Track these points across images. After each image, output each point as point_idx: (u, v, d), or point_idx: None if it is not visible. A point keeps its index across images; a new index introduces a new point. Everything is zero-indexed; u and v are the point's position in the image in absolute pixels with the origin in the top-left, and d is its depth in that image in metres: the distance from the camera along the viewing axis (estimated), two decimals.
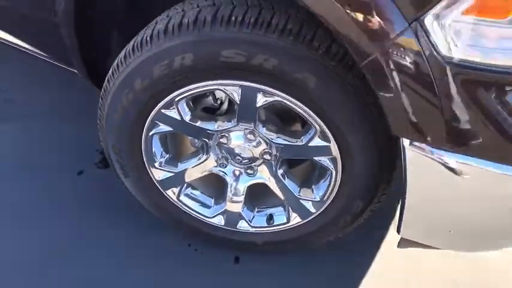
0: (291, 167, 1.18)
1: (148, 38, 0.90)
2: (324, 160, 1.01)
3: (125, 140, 1.05)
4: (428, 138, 0.73)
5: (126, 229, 1.34)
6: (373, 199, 1.06)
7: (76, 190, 1.43)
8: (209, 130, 1.04)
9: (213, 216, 1.22)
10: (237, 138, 1.06)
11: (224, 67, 0.85)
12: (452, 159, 0.76)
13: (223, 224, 1.22)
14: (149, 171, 1.12)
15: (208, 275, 1.26)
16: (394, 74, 0.67)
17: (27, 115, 1.69)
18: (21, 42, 1.21)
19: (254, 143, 1.06)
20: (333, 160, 0.99)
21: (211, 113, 1.09)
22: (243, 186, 1.16)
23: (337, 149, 0.96)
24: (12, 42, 1.26)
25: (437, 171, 0.79)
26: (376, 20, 0.63)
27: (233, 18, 0.81)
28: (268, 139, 1.03)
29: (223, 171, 1.14)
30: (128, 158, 1.10)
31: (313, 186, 1.11)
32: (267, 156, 1.08)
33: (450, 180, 0.80)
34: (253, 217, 1.21)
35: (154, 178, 1.14)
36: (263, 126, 1.01)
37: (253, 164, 1.11)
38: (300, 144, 1.00)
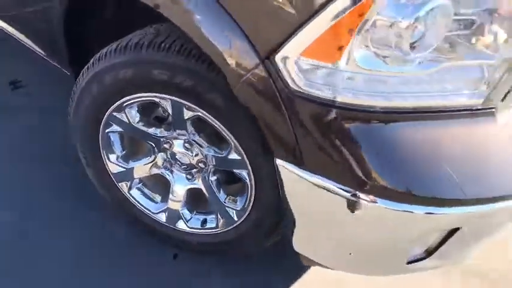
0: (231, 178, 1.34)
1: (106, 53, 1.13)
2: (242, 173, 1.16)
3: (85, 134, 1.27)
4: (290, 159, 0.87)
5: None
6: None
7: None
8: (154, 136, 1.23)
9: (157, 213, 1.40)
10: (178, 146, 1.24)
11: (154, 83, 1.05)
12: (316, 180, 0.89)
13: (164, 221, 1.39)
14: (106, 164, 1.33)
15: (143, 267, 1.42)
16: (255, 102, 0.83)
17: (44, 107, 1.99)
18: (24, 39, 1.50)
19: (192, 152, 1.24)
20: (248, 174, 1.14)
21: (160, 121, 1.29)
22: (183, 188, 1.33)
23: (248, 164, 1.11)
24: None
25: (306, 190, 0.92)
26: (236, 54, 0.79)
27: (163, 44, 1.01)
28: (200, 149, 1.20)
29: (167, 173, 1.33)
30: (88, 151, 1.31)
31: (238, 197, 1.26)
32: (202, 165, 1.25)
33: (318, 202, 0.92)
34: (191, 218, 1.38)
35: (110, 171, 1.35)
36: (195, 137, 1.19)
37: (192, 170, 1.29)
38: (222, 156, 1.17)
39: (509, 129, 0.91)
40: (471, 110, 0.85)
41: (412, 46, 0.72)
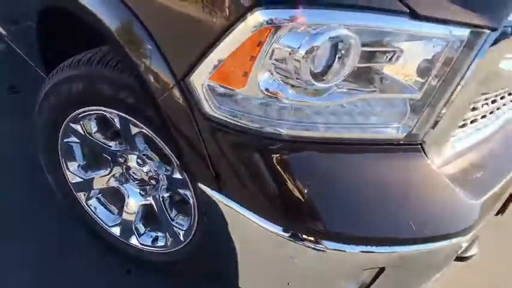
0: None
1: (65, 65, 1.17)
2: (186, 193, 1.16)
3: (45, 142, 1.31)
4: (209, 183, 0.86)
5: None
6: None
7: None
8: (109, 149, 1.26)
9: (112, 226, 1.40)
10: (132, 161, 1.26)
11: (103, 97, 1.08)
12: (234, 206, 0.87)
13: (118, 234, 1.39)
14: (65, 173, 1.36)
15: (94, 278, 1.42)
16: (172, 122, 0.84)
17: None
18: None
19: (144, 168, 1.25)
20: (191, 195, 1.14)
21: (117, 135, 1.31)
22: (136, 204, 1.34)
23: (190, 185, 1.10)
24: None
25: (229, 217, 0.90)
26: (156, 74, 0.81)
27: (110, 62, 1.04)
28: (151, 166, 1.21)
29: (122, 187, 1.34)
30: (48, 158, 1.35)
31: (185, 217, 1.25)
32: (154, 182, 1.25)
33: (242, 231, 0.90)
34: (143, 234, 1.37)
35: (69, 180, 1.37)
36: (148, 153, 1.20)
37: (145, 186, 1.29)
38: (168, 174, 1.17)
39: (441, 166, 0.88)
40: (394, 144, 0.83)
41: (318, 76, 0.72)
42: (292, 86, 0.73)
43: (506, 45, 0.77)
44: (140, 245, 1.36)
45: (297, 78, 0.70)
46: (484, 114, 1.02)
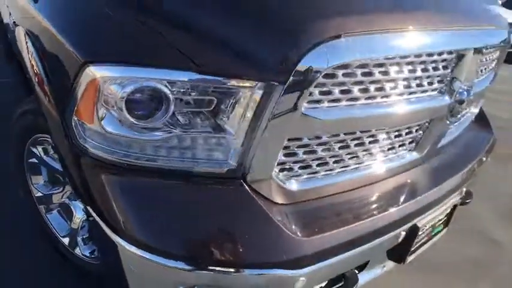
0: None
1: (25, 100, 1.48)
2: None
3: (14, 158, 1.62)
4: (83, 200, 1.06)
5: None
6: None
7: None
8: (58, 169, 1.52)
9: (63, 236, 1.64)
10: None
11: (41, 127, 1.35)
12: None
13: (67, 244, 1.63)
14: (30, 188, 1.64)
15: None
16: (59, 152, 1.09)
17: None
18: None
19: None
20: None
21: None
22: (80, 218, 1.57)
23: None
24: None
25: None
26: (51, 112, 1.06)
27: None
28: None
29: (71, 203, 1.58)
30: (17, 173, 1.65)
31: None
32: None
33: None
34: (84, 246, 1.59)
35: (33, 194, 1.65)
36: None
37: None
38: None
39: (285, 201, 1.00)
40: (216, 177, 0.96)
41: (143, 117, 0.90)
42: (125, 123, 0.92)
43: (303, 94, 0.91)
44: (81, 255, 1.58)
45: (125, 118, 0.91)
46: (338, 159, 1.12)
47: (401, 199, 1.24)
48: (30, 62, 1.28)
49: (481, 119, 1.84)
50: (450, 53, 1.17)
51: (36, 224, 1.73)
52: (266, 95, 0.91)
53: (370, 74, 1.00)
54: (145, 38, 0.95)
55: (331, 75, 0.95)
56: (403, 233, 1.24)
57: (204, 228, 0.96)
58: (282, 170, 1.05)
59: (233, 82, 0.90)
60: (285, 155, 1.03)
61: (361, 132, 1.09)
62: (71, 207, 1.60)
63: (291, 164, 1.05)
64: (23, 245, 1.78)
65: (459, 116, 1.45)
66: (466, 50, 1.19)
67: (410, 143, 1.30)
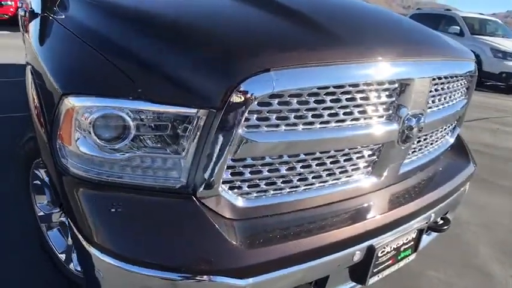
0: None
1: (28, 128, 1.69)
2: None
3: (22, 179, 1.81)
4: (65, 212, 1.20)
5: None
6: None
7: None
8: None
9: (61, 252, 1.79)
10: None
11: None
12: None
13: (63, 260, 1.77)
14: (34, 208, 1.83)
15: None
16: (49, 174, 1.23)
17: None
18: None
19: None
20: None
21: None
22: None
23: None
24: None
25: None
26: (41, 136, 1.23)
27: None
28: None
29: (67, 221, 1.74)
30: (25, 193, 1.84)
31: None
32: None
33: None
34: (76, 261, 1.72)
35: (36, 213, 1.83)
36: None
37: None
38: None
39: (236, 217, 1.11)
40: (172, 193, 1.09)
41: (111, 140, 1.07)
42: (96, 145, 1.08)
43: (239, 120, 1.03)
44: (74, 270, 1.72)
45: (94, 140, 1.08)
46: (287, 180, 1.22)
47: (354, 220, 1.31)
48: (32, 94, 1.49)
49: (460, 149, 1.87)
50: (392, 82, 1.27)
51: (37, 240, 1.91)
52: (207, 120, 1.06)
53: (305, 102, 1.12)
54: (108, 72, 1.14)
55: (267, 103, 1.08)
56: (358, 253, 1.30)
57: (157, 238, 1.09)
58: (231, 188, 1.17)
59: (178, 110, 1.05)
60: (232, 174, 1.15)
61: (306, 154, 1.20)
62: (68, 225, 1.77)
63: (239, 183, 1.16)
64: (26, 262, 1.96)
65: (418, 143, 1.52)
66: (409, 80, 1.29)
67: (365, 167, 1.38)
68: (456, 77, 1.58)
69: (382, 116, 1.30)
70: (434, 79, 1.42)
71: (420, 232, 1.55)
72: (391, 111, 1.31)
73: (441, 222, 1.79)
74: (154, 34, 1.22)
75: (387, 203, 1.45)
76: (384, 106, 1.29)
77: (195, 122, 1.07)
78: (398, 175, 1.51)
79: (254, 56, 1.06)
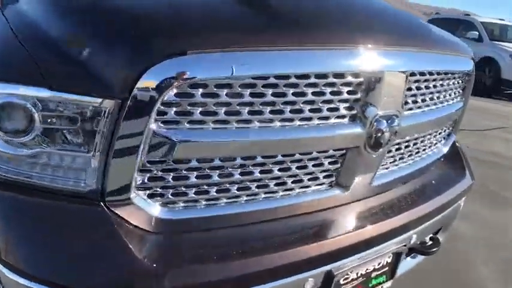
0: None
1: None
2: None
3: None
4: None
5: None
6: None
7: None
8: None
9: None
10: None
11: None
12: None
13: None
14: None
15: None
16: None
17: None
18: None
19: None
20: None
21: None
22: None
23: None
24: None
25: None
26: None
27: None
28: None
29: None
30: None
31: None
32: None
33: None
34: None
35: None
36: None
37: None
38: None
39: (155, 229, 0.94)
40: (80, 197, 0.92)
41: (16, 133, 0.90)
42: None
43: (150, 112, 0.84)
44: None
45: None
46: (222, 189, 1.01)
47: (309, 239, 1.09)
48: None
49: (456, 159, 1.63)
50: (355, 75, 1.05)
51: None
52: (114, 113, 0.87)
53: (238, 95, 0.92)
54: (15, 57, 0.96)
55: (187, 95, 0.89)
56: (311, 280, 1.08)
57: (53, 251, 0.90)
58: (152, 196, 0.98)
59: (81, 99, 0.87)
60: (151, 179, 0.95)
61: (244, 159, 1.00)
62: None
63: (160, 190, 0.97)
64: None
65: (398, 150, 1.30)
66: (378, 73, 1.06)
67: (326, 176, 1.16)
68: (447, 74, 1.35)
69: (343, 116, 1.08)
70: (414, 74, 1.20)
71: (397, 256, 1.32)
72: (355, 111, 1.10)
73: (429, 243, 1.55)
74: (59, 14, 1.04)
75: (354, 220, 1.22)
76: (346, 104, 1.07)
77: (102, 115, 0.88)
78: (372, 187, 1.28)
79: (168, 36, 0.87)
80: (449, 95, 1.42)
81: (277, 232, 1.09)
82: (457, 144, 1.69)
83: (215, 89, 0.90)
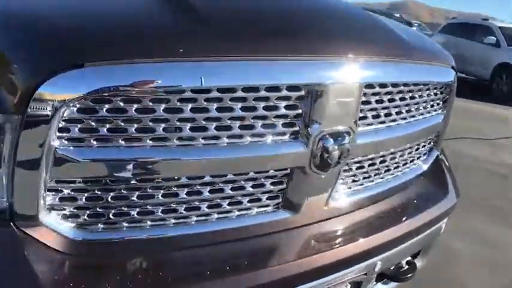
0: None
1: None
2: None
3: None
4: None
5: None
6: None
7: None
8: None
9: None
10: None
11: None
12: None
13: None
14: None
15: None
16: None
17: None
18: None
19: None
20: None
21: None
22: None
23: None
24: None
25: None
26: None
27: None
28: None
29: None
30: None
31: None
32: None
33: None
34: None
35: None
36: None
37: None
38: None
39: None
40: None
41: None
42: None
43: (49, 129, 0.76)
44: None
45: None
46: (144, 210, 0.93)
47: (242, 268, 0.99)
48: None
49: (439, 177, 1.48)
50: (294, 88, 0.94)
51: None
52: (13, 128, 0.80)
53: (150, 110, 0.83)
54: None
55: (91, 110, 0.80)
56: None
57: None
58: (67, 217, 0.91)
59: None
60: (61, 199, 0.88)
61: (166, 180, 0.91)
62: None
63: (73, 210, 0.89)
64: None
65: (360, 169, 1.17)
66: (321, 86, 0.94)
67: (270, 198, 1.05)
68: (417, 85, 1.21)
69: (282, 134, 0.97)
70: (371, 86, 1.08)
71: (357, 285, 1.19)
72: (297, 128, 0.99)
73: (405, 267, 1.42)
74: None
75: (304, 246, 1.10)
76: (284, 120, 0.96)
77: (2, 131, 0.83)
78: (330, 209, 1.16)
79: (66, 47, 0.79)
80: (424, 108, 1.28)
81: (208, 259, 0.99)
82: (442, 159, 1.54)
83: (122, 104, 0.82)
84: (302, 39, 0.98)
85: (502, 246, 2.54)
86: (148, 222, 0.96)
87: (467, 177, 3.75)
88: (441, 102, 1.36)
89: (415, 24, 19.70)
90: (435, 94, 1.31)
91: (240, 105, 0.90)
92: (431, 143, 1.44)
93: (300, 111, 0.96)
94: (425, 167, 1.42)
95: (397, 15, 12.14)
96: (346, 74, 0.99)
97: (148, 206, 0.94)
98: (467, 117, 6.27)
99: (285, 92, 0.93)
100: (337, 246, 1.12)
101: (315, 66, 0.95)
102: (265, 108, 0.92)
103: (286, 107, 0.95)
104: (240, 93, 0.88)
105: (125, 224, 0.95)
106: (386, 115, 1.14)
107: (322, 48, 0.98)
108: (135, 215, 0.94)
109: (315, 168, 1.02)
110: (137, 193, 0.91)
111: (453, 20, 11.74)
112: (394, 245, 1.23)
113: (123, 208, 0.93)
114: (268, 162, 0.97)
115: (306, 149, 0.98)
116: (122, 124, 0.83)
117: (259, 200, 1.05)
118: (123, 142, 0.84)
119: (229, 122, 0.90)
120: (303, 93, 0.94)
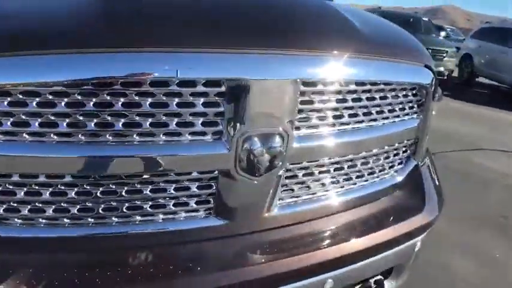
0: None
1: None
2: None
3: None
4: None
5: None
6: None
7: None
8: None
9: None
10: None
11: None
12: None
13: None
14: None
15: None
16: None
17: None
18: None
19: None
20: None
21: None
22: None
23: None
24: None
25: None
26: None
27: None
28: None
29: None
30: None
31: None
32: None
33: None
34: None
35: None
36: None
37: None
38: None
39: None
40: None
41: None
42: None
43: None
44: None
45: None
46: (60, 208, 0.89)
47: (167, 274, 0.92)
48: None
49: (416, 190, 1.31)
50: (214, 83, 0.86)
51: None
52: None
53: (51, 104, 0.80)
54: None
55: None
56: None
57: None
58: None
59: None
60: None
61: (75, 177, 0.86)
62: None
63: None
64: None
65: (310, 175, 1.06)
66: (245, 80, 0.86)
67: (199, 202, 0.98)
68: (376, 84, 1.08)
69: (201, 133, 0.90)
70: (312, 84, 0.97)
71: None
72: (220, 127, 0.91)
73: (373, 287, 1.28)
74: None
75: (237, 256, 1.02)
76: (203, 119, 0.88)
77: None
78: (271, 219, 1.06)
79: None
80: (389, 111, 1.14)
81: (133, 262, 0.95)
82: (424, 170, 1.38)
83: (21, 97, 0.80)
84: (223, 31, 0.91)
85: None
86: (67, 220, 0.92)
87: (488, 193, 3.44)
88: (415, 106, 1.22)
89: (447, 29, 18.56)
90: (405, 96, 1.18)
91: (152, 100, 0.84)
92: (408, 152, 1.30)
93: (221, 109, 0.89)
94: (399, 178, 1.28)
95: (425, 19, 11.52)
96: (276, 70, 0.90)
97: (63, 204, 0.89)
98: (494, 129, 5.78)
99: (201, 88, 0.87)
100: (277, 258, 1.03)
101: (236, 60, 0.87)
102: (178, 104, 0.85)
103: (205, 105, 0.88)
104: (146, 87, 0.83)
105: (43, 221, 0.93)
106: (335, 117, 1.04)
107: (245, 39, 0.90)
108: (51, 212, 0.91)
109: (242, 172, 0.93)
110: (50, 189, 0.88)
111: (486, 25, 11.15)
112: (348, 262, 1.11)
113: (37, 204, 0.91)
114: (187, 163, 0.91)
115: (228, 151, 0.91)
116: (24, 118, 0.80)
117: (186, 204, 0.99)
118: (29, 137, 0.81)
119: (137, 118, 0.84)
120: (223, 89, 0.88)
